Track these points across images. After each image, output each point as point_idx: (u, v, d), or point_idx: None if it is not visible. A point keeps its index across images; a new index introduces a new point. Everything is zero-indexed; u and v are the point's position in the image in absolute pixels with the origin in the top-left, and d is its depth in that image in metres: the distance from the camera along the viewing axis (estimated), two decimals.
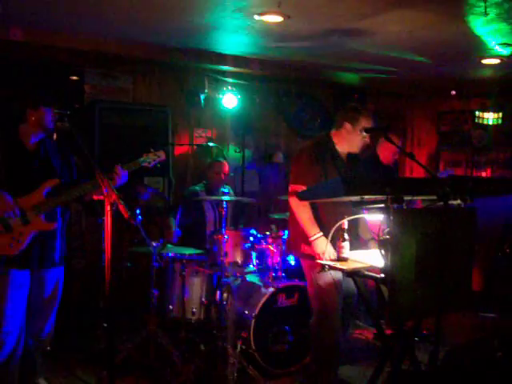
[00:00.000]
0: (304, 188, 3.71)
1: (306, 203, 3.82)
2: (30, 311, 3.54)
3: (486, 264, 6.66)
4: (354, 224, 3.68)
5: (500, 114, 6.93)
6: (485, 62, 5.62)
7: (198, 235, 5.30)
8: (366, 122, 3.95)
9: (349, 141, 4.01)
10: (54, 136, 3.59)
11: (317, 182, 3.79)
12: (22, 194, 3.34)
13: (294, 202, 3.91)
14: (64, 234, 3.67)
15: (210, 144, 6.51)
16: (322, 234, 3.76)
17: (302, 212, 3.86)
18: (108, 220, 2.93)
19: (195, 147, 6.53)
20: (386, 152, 5.47)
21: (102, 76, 5.89)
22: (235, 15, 4.38)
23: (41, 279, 3.57)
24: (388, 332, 3.43)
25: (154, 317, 4.46)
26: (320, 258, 3.69)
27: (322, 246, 3.70)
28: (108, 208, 2.92)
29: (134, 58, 5.80)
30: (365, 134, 3.95)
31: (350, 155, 4.07)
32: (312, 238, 3.80)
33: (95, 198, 3.61)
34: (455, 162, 7.74)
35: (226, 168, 5.63)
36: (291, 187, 3.94)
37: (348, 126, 3.96)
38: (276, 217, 5.51)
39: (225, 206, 4.49)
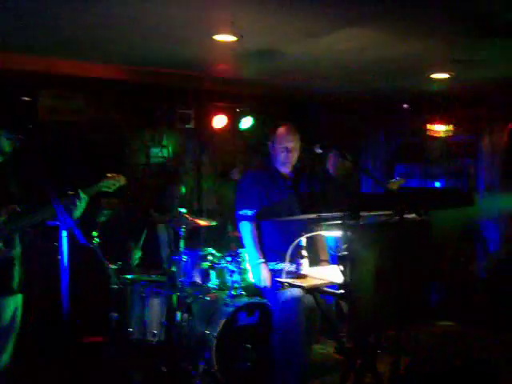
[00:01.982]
0: (249, 212, 3.97)
1: (254, 230, 4.03)
2: None
3: (443, 274, 6.78)
4: (312, 242, 3.72)
5: (451, 126, 7.14)
6: (434, 76, 5.76)
7: (152, 256, 5.27)
8: (280, 136, 4.10)
9: (275, 157, 4.15)
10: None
11: (260, 204, 3.97)
12: None
13: (241, 227, 4.09)
14: (23, 261, 3.58)
15: (166, 163, 6.50)
16: (263, 261, 3.99)
17: (248, 238, 4.05)
18: (64, 245, 2.89)
19: (150, 167, 6.50)
20: (334, 166, 5.59)
21: (55, 97, 5.81)
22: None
23: None
24: (349, 346, 3.45)
25: (114, 340, 4.40)
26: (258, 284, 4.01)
27: (260, 273, 3.97)
28: (64, 233, 2.88)
29: (86, 79, 5.76)
30: (284, 145, 4.05)
31: (296, 172, 4.18)
32: (253, 264, 4.03)
33: (51, 222, 3.53)
34: (409, 174, 7.89)
35: (181, 191, 5.67)
36: (237, 213, 4.11)
37: (270, 144, 4.17)
38: (235, 235, 5.50)
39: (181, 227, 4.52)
